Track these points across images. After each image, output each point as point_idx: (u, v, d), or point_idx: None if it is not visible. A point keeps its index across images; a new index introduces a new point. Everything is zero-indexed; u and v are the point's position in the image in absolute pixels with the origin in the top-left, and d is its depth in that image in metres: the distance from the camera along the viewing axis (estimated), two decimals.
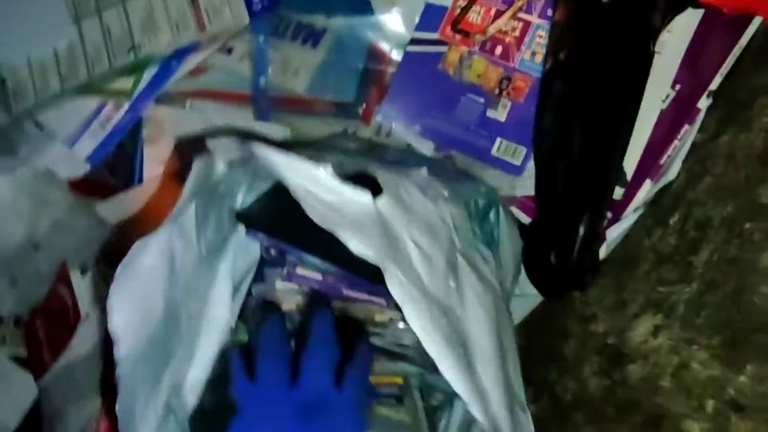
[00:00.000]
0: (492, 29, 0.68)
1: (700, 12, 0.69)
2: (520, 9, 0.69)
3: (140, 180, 0.80)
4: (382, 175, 0.52)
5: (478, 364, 0.50)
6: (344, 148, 0.68)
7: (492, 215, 0.64)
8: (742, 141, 0.56)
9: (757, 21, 0.66)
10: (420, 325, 0.46)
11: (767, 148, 0.52)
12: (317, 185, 0.50)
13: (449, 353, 0.47)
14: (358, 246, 0.48)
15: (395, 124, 0.74)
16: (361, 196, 0.50)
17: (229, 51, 0.78)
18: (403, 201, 0.53)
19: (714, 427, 0.47)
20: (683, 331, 0.52)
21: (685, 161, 0.65)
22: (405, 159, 0.70)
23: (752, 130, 0.55)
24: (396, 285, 0.47)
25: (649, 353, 0.55)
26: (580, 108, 0.66)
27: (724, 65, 0.67)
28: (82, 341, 0.81)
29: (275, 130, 0.76)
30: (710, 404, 0.47)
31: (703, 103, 0.67)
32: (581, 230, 0.63)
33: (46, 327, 0.84)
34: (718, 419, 0.46)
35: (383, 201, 0.51)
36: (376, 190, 0.51)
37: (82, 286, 0.82)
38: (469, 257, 0.56)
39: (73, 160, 0.78)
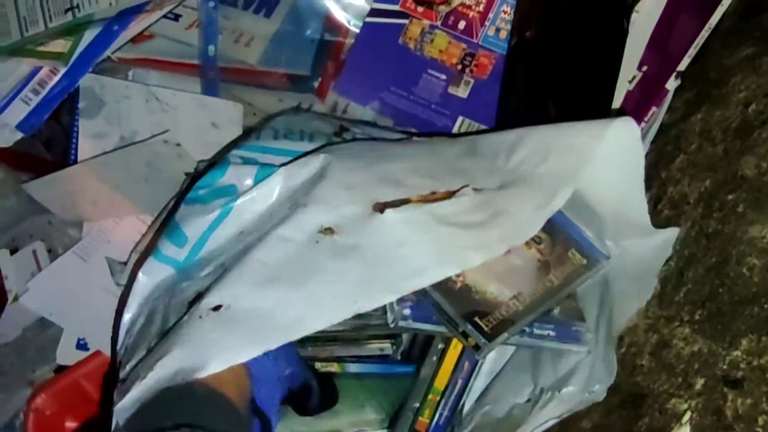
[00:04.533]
0: (456, 0, 0.64)
1: None
2: None
3: (75, 156, 0.74)
4: None
5: None
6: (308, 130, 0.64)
7: None
8: (718, 117, 0.54)
9: (726, 1, 0.64)
10: None
11: (745, 122, 0.50)
12: None
13: None
14: None
15: (352, 100, 0.70)
16: None
17: (176, 18, 0.73)
18: None
19: (706, 403, 0.44)
20: (661, 309, 0.50)
21: (654, 142, 0.63)
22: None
23: (728, 106, 0.53)
24: None
25: (624, 334, 0.52)
26: (548, 90, 0.63)
27: (693, 46, 0.65)
28: (10, 325, 0.75)
29: (226, 105, 0.71)
30: (699, 381, 0.45)
31: (671, 84, 0.65)
32: None
33: None
34: (711, 395, 0.44)
35: None
36: None
37: (10, 266, 0.76)
38: None
39: (2, 128, 0.71)
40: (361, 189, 0.54)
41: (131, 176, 0.72)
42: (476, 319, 0.52)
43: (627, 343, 0.52)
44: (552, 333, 0.55)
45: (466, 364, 0.58)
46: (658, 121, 0.65)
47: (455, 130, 0.69)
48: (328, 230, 0.51)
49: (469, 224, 0.52)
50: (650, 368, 0.49)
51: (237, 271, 0.49)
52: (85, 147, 0.75)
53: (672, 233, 0.54)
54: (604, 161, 0.52)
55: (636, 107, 0.67)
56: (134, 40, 0.73)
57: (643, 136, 0.65)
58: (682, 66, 0.65)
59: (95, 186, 0.73)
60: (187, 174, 0.70)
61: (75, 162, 0.75)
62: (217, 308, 0.47)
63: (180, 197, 0.63)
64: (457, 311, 0.52)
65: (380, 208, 0.52)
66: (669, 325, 0.48)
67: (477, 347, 0.51)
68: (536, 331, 0.55)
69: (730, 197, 0.48)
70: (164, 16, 0.72)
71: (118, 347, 0.56)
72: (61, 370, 0.73)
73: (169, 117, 0.73)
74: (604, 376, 0.53)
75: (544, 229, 0.54)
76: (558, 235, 0.58)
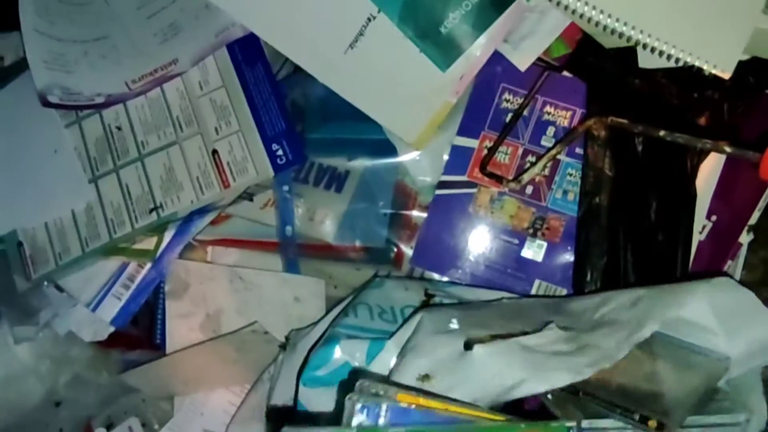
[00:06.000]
0: (527, 177, 0.66)
1: None
2: (557, 155, 0.68)
3: (163, 334, 0.78)
4: None
5: None
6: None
7: None
8: None
9: None
10: None
11: None
12: None
13: None
14: None
15: (428, 269, 0.72)
16: None
17: (251, 198, 0.76)
18: None
19: None
20: None
21: None
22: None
23: None
24: None
25: None
26: (623, 254, 0.64)
27: (762, 198, 0.66)
28: None
29: (308, 281, 0.74)
30: None
31: (744, 238, 0.66)
32: None
33: None
34: None
35: None
36: None
37: None
38: None
39: (96, 324, 0.75)
40: (453, 334, 0.57)
41: (220, 360, 0.74)
42: (648, 404, 0.53)
43: None
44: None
45: None
46: (735, 276, 0.66)
47: (533, 292, 0.70)
48: (426, 377, 0.54)
49: (555, 353, 0.55)
50: None
51: None
52: (172, 326, 0.78)
53: None
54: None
55: (710, 260, 0.68)
56: (213, 221, 0.76)
57: None
58: (753, 219, 0.66)
59: (186, 370, 0.76)
60: (279, 347, 0.72)
61: (162, 339, 0.78)
62: None
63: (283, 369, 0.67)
64: (626, 402, 0.53)
65: (469, 345, 0.54)
66: None
67: (661, 426, 0.51)
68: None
69: None
70: (240, 197, 0.75)
71: None
72: None
73: (252, 294, 0.76)
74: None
75: (662, 345, 0.56)
76: (677, 350, 0.59)
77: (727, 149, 0.54)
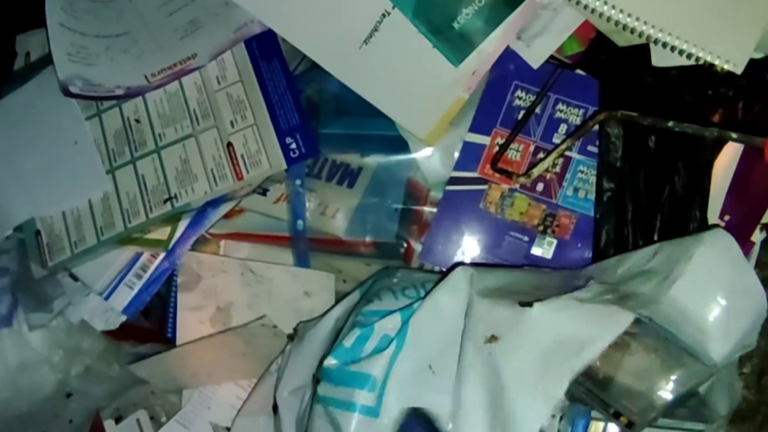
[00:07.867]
0: (536, 171, 0.66)
1: None
2: (566, 150, 0.67)
3: (174, 328, 0.78)
4: None
5: None
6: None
7: None
8: None
9: None
10: None
11: None
12: None
13: None
14: None
15: (438, 265, 0.72)
16: None
17: (264, 192, 0.77)
18: None
19: None
20: None
21: None
22: None
23: None
24: None
25: None
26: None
27: None
28: None
29: (318, 275, 0.74)
30: None
31: (757, 236, 0.66)
32: None
33: None
34: None
35: None
36: None
37: None
38: None
39: (109, 312, 0.76)
40: (502, 296, 0.59)
41: (229, 353, 0.75)
42: (623, 401, 0.55)
43: None
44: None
45: None
46: None
47: None
48: (493, 338, 0.56)
49: (607, 301, 0.57)
50: None
51: None
52: (183, 318, 0.78)
53: None
54: (702, 268, 0.55)
55: None
56: (225, 215, 0.77)
57: None
58: (767, 218, 0.66)
59: (195, 363, 0.76)
60: (287, 337, 0.73)
61: (173, 332, 0.79)
62: None
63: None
64: (606, 395, 0.55)
65: (526, 304, 0.56)
66: None
67: (631, 424, 0.54)
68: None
69: None
70: (253, 191, 0.76)
71: None
72: None
73: (263, 288, 0.76)
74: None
75: (659, 340, 0.57)
76: (672, 346, 0.59)
77: (734, 135, 0.53)
